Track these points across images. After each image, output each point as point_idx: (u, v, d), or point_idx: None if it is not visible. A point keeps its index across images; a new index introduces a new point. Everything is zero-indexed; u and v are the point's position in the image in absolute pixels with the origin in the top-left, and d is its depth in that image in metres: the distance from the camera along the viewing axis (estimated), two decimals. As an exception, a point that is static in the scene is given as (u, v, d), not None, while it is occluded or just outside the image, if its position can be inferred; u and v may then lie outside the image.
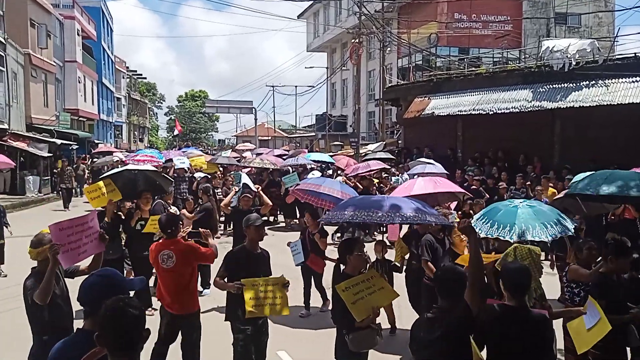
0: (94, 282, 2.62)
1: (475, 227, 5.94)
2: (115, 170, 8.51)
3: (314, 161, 18.93)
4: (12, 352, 6.13)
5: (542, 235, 5.32)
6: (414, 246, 6.62)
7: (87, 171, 23.28)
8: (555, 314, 4.35)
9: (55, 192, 22.47)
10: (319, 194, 8.39)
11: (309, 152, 23.76)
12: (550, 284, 5.58)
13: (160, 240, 5.40)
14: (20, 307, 7.84)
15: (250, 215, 5.19)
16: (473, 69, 21.41)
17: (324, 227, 7.87)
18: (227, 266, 4.88)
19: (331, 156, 21.19)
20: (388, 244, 12.83)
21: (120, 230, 7.67)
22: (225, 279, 4.88)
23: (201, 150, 27.33)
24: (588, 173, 11.89)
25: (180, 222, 5.68)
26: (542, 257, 6.05)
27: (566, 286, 5.16)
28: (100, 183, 7.59)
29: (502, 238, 5.49)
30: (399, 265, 6.82)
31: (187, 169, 15.29)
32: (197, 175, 15.39)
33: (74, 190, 20.41)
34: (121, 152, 25.60)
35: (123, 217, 7.71)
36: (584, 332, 3.84)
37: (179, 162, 15.35)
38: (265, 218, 11.51)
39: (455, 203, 9.41)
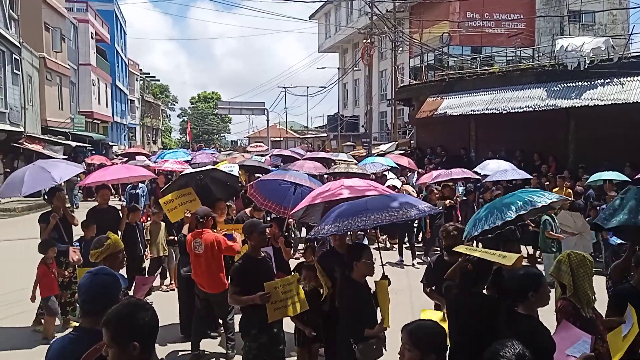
0: (93, 281, 2.62)
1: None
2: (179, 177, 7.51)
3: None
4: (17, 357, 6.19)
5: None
6: (338, 272, 4.61)
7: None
8: (604, 322, 4.12)
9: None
10: (289, 183, 6.67)
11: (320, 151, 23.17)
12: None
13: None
14: (17, 314, 7.78)
15: (253, 221, 5.16)
16: (486, 68, 21.28)
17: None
18: (239, 279, 4.64)
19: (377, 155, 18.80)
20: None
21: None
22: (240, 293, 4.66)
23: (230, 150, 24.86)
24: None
25: (211, 216, 6.04)
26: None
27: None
28: (176, 193, 6.84)
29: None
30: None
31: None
32: None
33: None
34: (148, 156, 22.82)
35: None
36: (619, 339, 3.75)
37: (226, 170, 12.74)
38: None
39: None
